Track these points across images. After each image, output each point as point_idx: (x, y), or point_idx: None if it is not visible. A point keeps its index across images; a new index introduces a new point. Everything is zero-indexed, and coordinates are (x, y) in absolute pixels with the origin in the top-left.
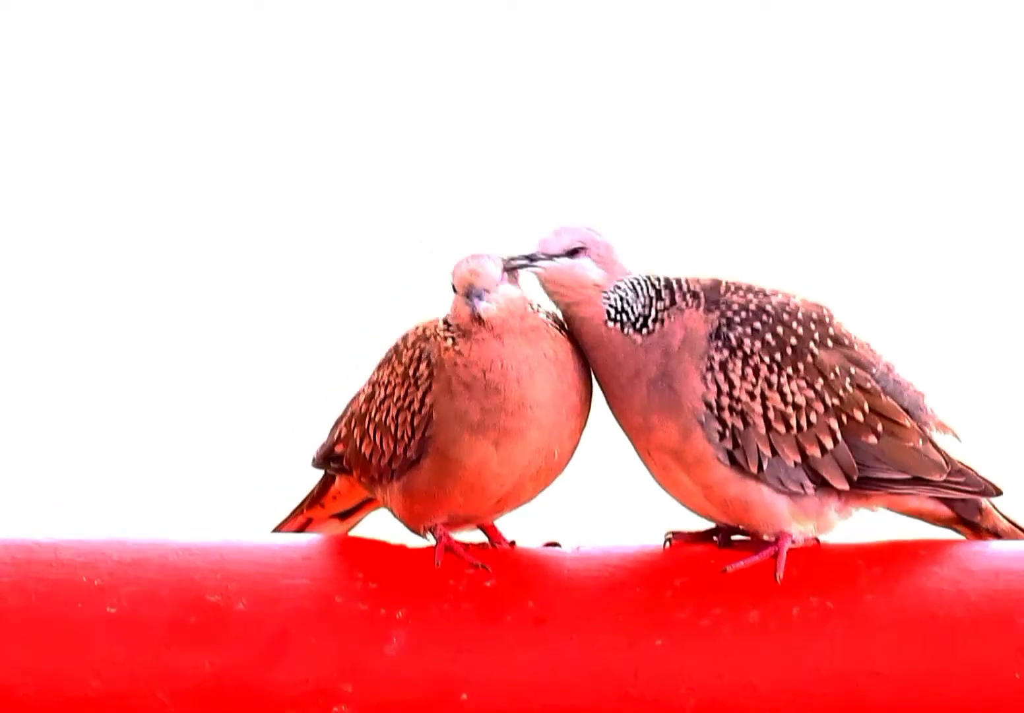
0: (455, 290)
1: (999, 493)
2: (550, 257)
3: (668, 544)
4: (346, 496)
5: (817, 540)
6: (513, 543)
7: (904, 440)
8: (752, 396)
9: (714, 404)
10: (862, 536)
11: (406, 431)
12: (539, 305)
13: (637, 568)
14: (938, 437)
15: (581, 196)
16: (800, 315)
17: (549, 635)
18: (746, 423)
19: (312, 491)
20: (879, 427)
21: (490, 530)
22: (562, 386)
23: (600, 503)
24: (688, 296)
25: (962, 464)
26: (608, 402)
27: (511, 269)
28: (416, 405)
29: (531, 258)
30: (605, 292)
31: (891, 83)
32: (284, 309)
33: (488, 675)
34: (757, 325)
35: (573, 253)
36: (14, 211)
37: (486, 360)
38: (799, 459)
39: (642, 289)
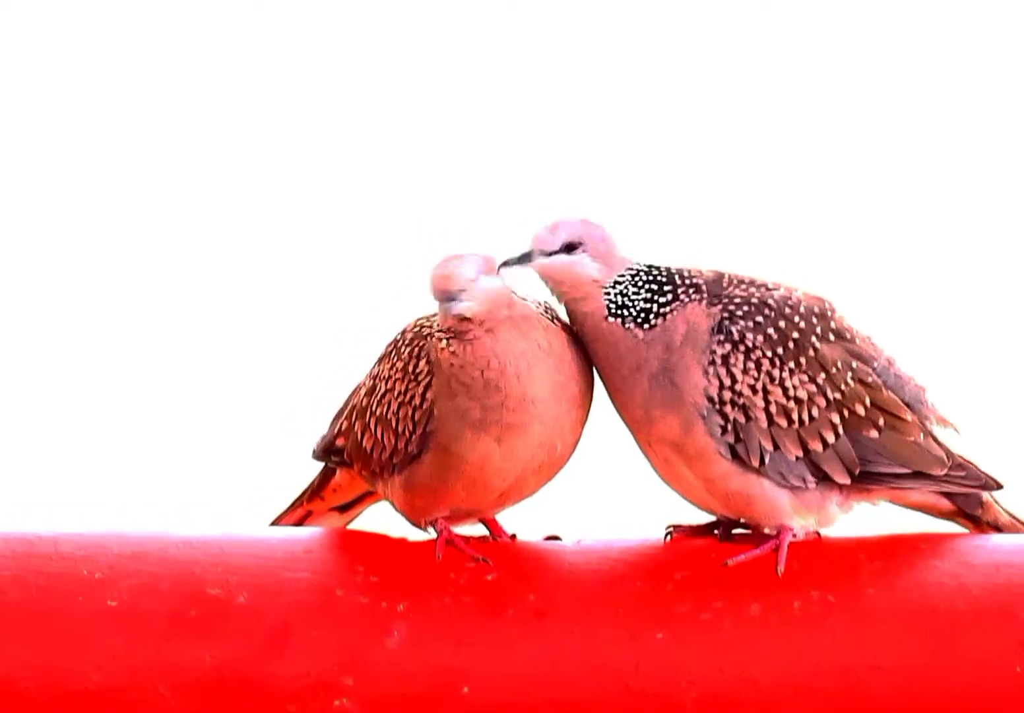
0: (434, 297)
1: (1000, 487)
2: (546, 255)
3: (669, 538)
4: (346, 489)
5: (818, 534)
6: (514, 537)
7: (905, 434)
8: (754, 390)
9: (716, 398)
10: (863, 530)
11: (407, 426)
12: (530, 296)
13: (638, 562)
14: (939, 431)
15: (581, 196)
16: (802, 309)
17: (550, 628)
18: (748, 417)
19: (312, 484)
20: (880, 421)
21: (491, 524)
22: (560, 377)
23: (601, 497)
24: (691, 289)
25: (963, 458)
26: (610, 395)
27: (506, 267)
28: (417, 400)
29: (527, 257)
30: (604, 287)
31: (891, 82)
32: (284, 309)
33: (489, 668)
34: (759, 319)
35: (570, 249)
36: (14, 211)
37: (482, 360)
38: (801, 453)
39: (643, 282)
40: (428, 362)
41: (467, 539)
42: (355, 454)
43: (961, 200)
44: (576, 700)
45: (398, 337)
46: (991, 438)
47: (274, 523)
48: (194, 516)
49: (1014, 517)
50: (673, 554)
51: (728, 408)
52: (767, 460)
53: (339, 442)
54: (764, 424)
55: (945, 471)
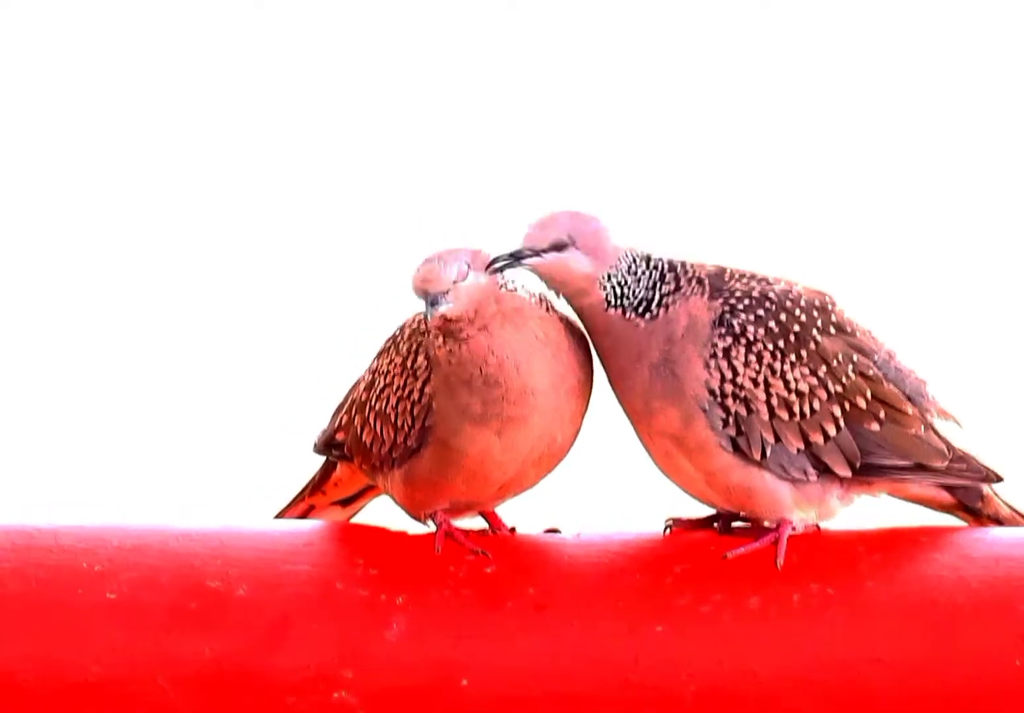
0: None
1: (1000, 479)
2: (536, 253)
3: (668, 531)
4: (347, 483)
5: (817, 527)
6: (513, 529)
7: (906, 427)
8: (755, 383)
9: (717, 391)
10: (863, 523)
11: (406, 420)
12: (522, 285)
13: (637, 554)
14: (940, 424)
15: (582, 194)
16: (803, 302)
17: (549, 621)
18: (749, 410)
19: (313, 478)
20: (881, 414)
21: (491, 517)
22: (559, 367)
23: (600, 490)
24: (693, 282)
25: (963, 451)
26: (611, 385)
27: (498, 270)
28: (416, 395)
29: (517, 256)
30: (599, 280)
31: (891, 82)
32: (285, 304)
33: (488, 661)
34: (760, 312)
35: (560, 246)
36: (14, 211)
37: (479, 357)
38: (802, 446)
39: (642, 271)
40: (426, 358)
41: (466, 532)
42: (355, 448)
43: (960, 195)
44: (575, 693)
45: (397, 332)
46: (991, 431)
47: (277, 517)
48: (196, 509)
49: (1014, 510)
50: (672, 547)
51: (730, 401)
52: (768, 453)
53: (339, 436)
54: (766, 417)
55: (946, 464)
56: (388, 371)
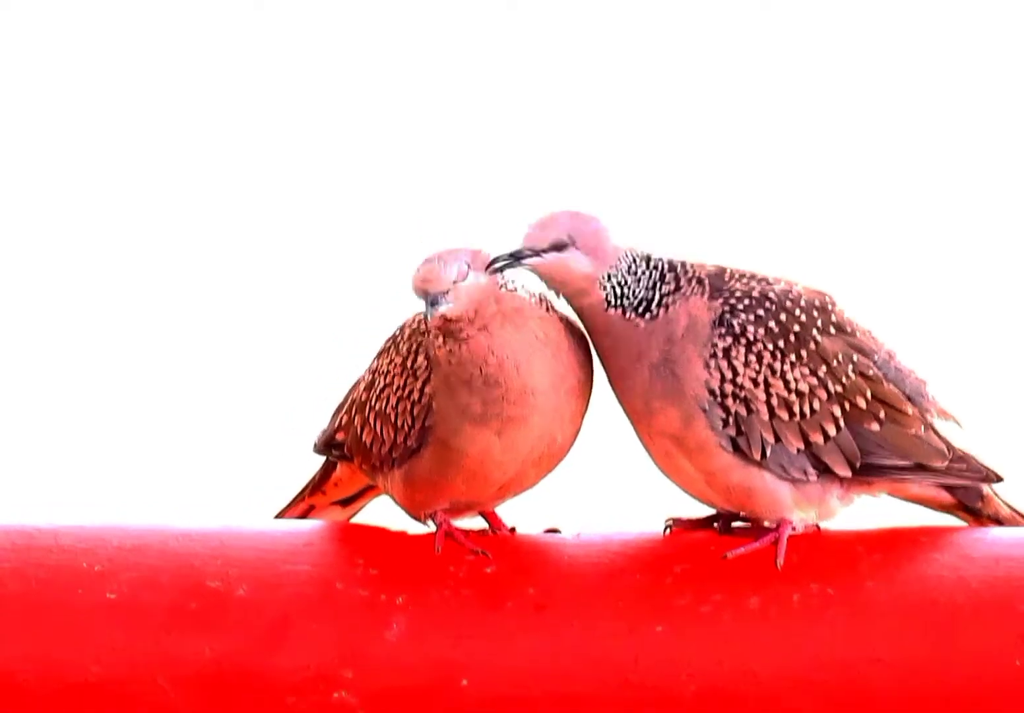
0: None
1: (1000, 479)
2: (536, 253)
3: (668, 531)
4: (347, 483)
5: (817, 527)
6: (513, 529)
7: (906, 427)
8: (755, 383)
9: (717, 391)
10: (863, 523)
11: (406, 420)
12: (522, 285)
13: (637, 554)
14: (940, 424)
15: (581, 196)
16: (803, 302)
17: (549, 621)
18: (749, 410)
19: (314, 478)
20: (881, 414)
21: (491, 517)
22: (559, 367)
23: (600, 490)
24: (693, 282)
25: (963, 451)
26: (611, 385)
27: (498, 270)
28: (416, 395)
29: (517, 256)
30: (599, 280)
31: (891, 82)
32: (285, 304)
33: (488, 661)
34: (760, 312)
35: (560, 246)
36: (14, 211)
37: (479, 357)
38: (802, 446)
39: (643, 271)
40: (426, 358)
41: (467, 532)
42: (355, 448)
43: (959, 195)
44: (575, 693)
45: (397, 332)
46: (991, 431)
47: (277, 518)
48: (196, 509)
49: (1014, 510)
50: (672, 547)
51: (729, 401)
52: (768, 453)
53: (339, 436)
54: (766, 417)
55: (946, 463)
56: (388, 371)
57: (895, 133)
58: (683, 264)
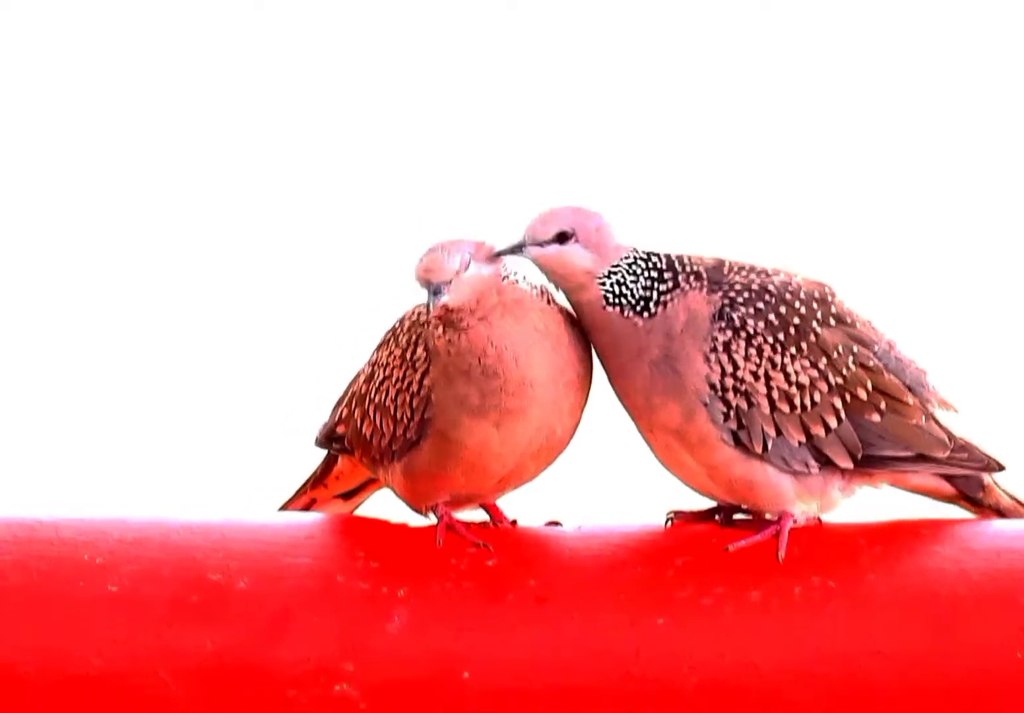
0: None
1: (1001, 468)
2: (538, 244)
3: (670, 523)
4: (349, 476)
5: (819, 519)
6: (515, 522)
7: (907, 418)
8: (756, 376)
9: (718, 385)
10: (864, 515)
11: (405, 413)
12: (523, 277)
13: (639, 547)
14: (940, 414)
15: (583, 193)
16: (802, 294)
17: (551, 614)
18: (750, 403)
19: (315, 472)
20: (882, 405)
21: (492, 509)
22: (558, 360)
23: (602, 482)
24: (691, 277)
25: (964, 440)
26: (610, 382)
27: (500, 255)
28: (415, 387)
29: (519, 247)
30: (599, 277)
31: (891, 82)
32: (285, 298)
33: (490, 654)
34: (760, 305)
35: (562, 239)
36: (14, 211)
37: (478, 347)
38: (803, 438)
39: (642, 270)
40: (426, 349)
41: (468, 525)
42: (355, 441)
43: (957, 187)
44: (577, 685)
45: (396, 324)
46: (992, 420)
47: (280, 511)
48: (198, 502)
49: (1016, 499)
50: (674, 540)
51: (730, 395)
52: (770, 446)
53: (340, 429)
54: (767, 410)
55: (947, 453)
56: (387, 363)
57: (894, 131)
58: (681, 259)
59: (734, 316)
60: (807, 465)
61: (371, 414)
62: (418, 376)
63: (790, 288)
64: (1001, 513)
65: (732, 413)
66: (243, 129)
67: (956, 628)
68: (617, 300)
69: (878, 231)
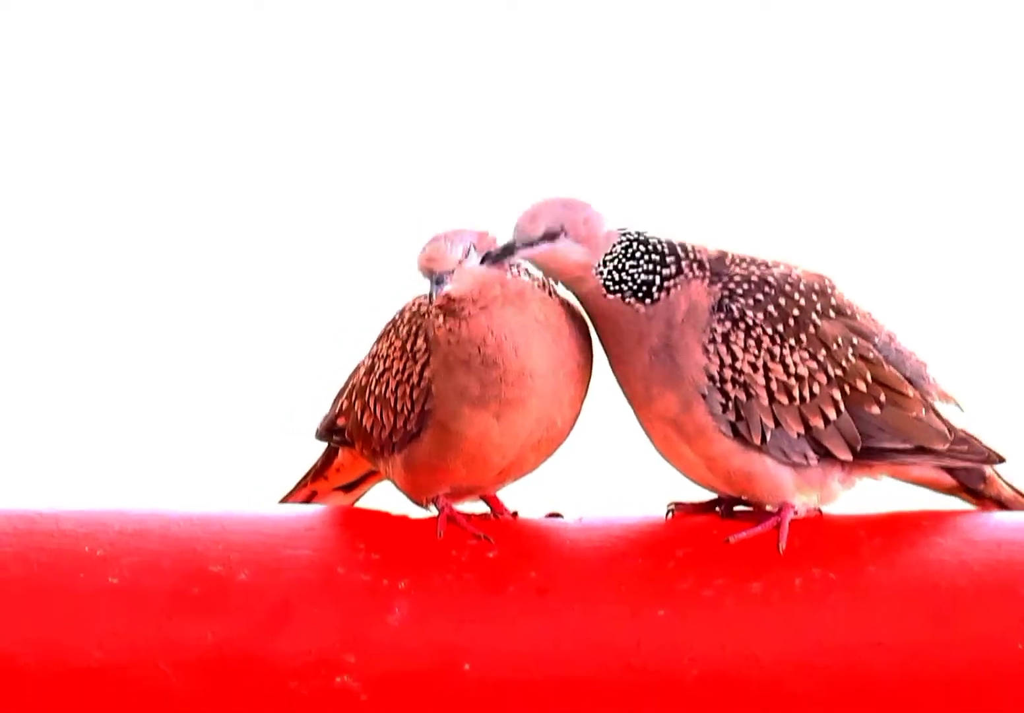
0: (422, 276)
1: (1002, 461)
2: (528, 244)
3: (670, 515)
4: (349, 468)
5: (819, 511)
6: (515, 514)
7: (907, 410)
8: (755, 368)
9: (716, 376)
10: (864, 507)
11: (405, 404)
12: (525, 269)
13: (639, 539)
14: (940, 406)
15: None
16: (802, 286)
17: (551, 606)
18: (749, 395)
19: (316, 464)
20: (882, 397)
21: (492, 501)
22: (559, 351)
23: (602, 474)
24: (695, 265)
25: (965, 433)
26: (612, 369)
27: (493, 262)
28: (415, 379)
29: (509, 249)
30: (595, 267)
31: (891, 82)
32: (286, 295)
33: (490, 645)
34: (759, 296)
35: (551, 236)
36: (14, 211)
37: (478, 337)
38: (802, 430)
39: (641, 254)
40: (426, 340)
41: (468, 516)
42: (356, 433)
43: (956, 180)
44: (577, 677)
45: (397, 316)
46: (993, 412)
47: (280, 503)
48: (198, 494)
49: (1017, 491)
50: (675, 531)
51: (729, 386)
52: (768, 438)
53: (340, 422)
54: (765, 401)
55: (947, 445)
56: (388, 355)
57: (893, 126)
58: (683, 245)
59: (733, 307)
60: (806, 457)
61: (371, 406)
62: (418, 367)
63: (790, 280)
64: (1002, 504)
65: (730, 404)
66: (243, 127)
67: (957, 619)
68: (617, 287)
69: (878, 224)
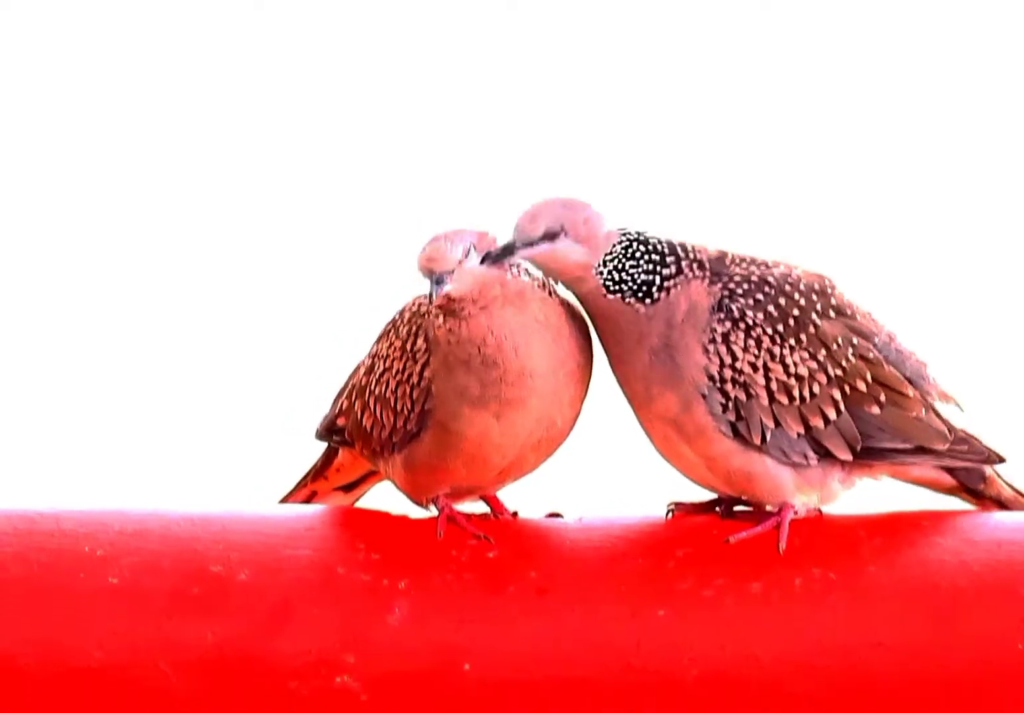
0: (422, 276)
1: (1002, 461)
2: (528, 244)
3: (670, 515)
4: (349, 468)
5: (819, 511)
6: (515, 514)
7: (907, 410)
8: (755, 368)
9: (716, 376)
10: (864, 507)
11: (405, 404)
12: (525, 269)
13: (639, 539)
14: (941, 406)
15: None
16: (802, 286)
17: (551, 606)
18: (749, 395)
19: (316, 464)
20: (882, 397)
21: (492, 501)
22: (559, 351)
23: (602, 474)
24: (695, 265)
25: (965, 433)
26: (612, 369)
27: (493, 262)
28: (415, 379)
29: (509, 248)
30: (595, 267)
31: (891, 82)
32: (286, 294)
33: (490, 645)
34: (759, 296)
35: (551, 236)
36: (14, 211)
37: (478, 336)
38: (802, 430)
39: (641, 254)
40: (426, 340)
41: (468, 516)
42: (356, 433)
43: (956, 179)
44: (578, 677)
45: (397, 316)
46: (993, 412)
47: (280, 503)
48: (198, 494)
49: (1017, 491)
50: (675, 531)
51: (729, 386)
52: (768, 438)
53: (340, 421)
54: (765, 401)
55: (947, 445)
56: (388, 355)
57: (893, 126)
58: (683, 245)
59: (733, 307)
60: (806, 457)
61: (371, 406)
62: (418, 367)
63: (789, 280)
64: (1002, 504)
65: (730, 404)
66: (243, 127)
67: (957, 619)
68: (617, 287)
69: (878, 224)
